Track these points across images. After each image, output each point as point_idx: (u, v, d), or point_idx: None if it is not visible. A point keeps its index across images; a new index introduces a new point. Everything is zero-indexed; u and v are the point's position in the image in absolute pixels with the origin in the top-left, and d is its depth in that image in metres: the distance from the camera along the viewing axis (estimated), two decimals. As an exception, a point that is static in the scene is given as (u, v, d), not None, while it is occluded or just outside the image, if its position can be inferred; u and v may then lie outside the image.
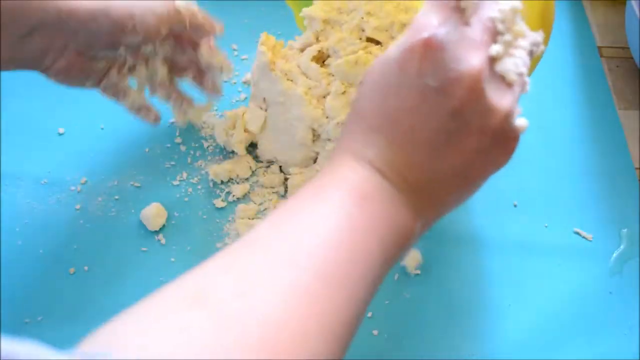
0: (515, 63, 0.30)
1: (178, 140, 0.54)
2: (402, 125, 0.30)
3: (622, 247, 0.51)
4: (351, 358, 0.45)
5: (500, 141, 0.32)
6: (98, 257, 0.48)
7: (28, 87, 0.56)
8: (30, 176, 0.51)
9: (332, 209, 0.28)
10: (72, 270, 0.47)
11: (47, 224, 0.49)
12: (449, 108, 0.29)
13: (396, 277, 0.48)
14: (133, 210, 0.50)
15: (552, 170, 0.55)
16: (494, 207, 0.53)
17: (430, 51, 0.29)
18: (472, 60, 0.29)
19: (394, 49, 0.30)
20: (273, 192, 0.52)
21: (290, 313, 0.25)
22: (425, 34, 0.29)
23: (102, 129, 0.54)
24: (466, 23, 0.29)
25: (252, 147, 0.54)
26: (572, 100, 0.60)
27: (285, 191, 0.52)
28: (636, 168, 0.56)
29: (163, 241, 0.49)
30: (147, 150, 0.53)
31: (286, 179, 0.52)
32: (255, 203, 0.51)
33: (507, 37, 0.30)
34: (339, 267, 0.27)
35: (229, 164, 0.52)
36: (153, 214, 0.49)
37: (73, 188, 0.51)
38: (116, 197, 0.51)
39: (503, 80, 0.30)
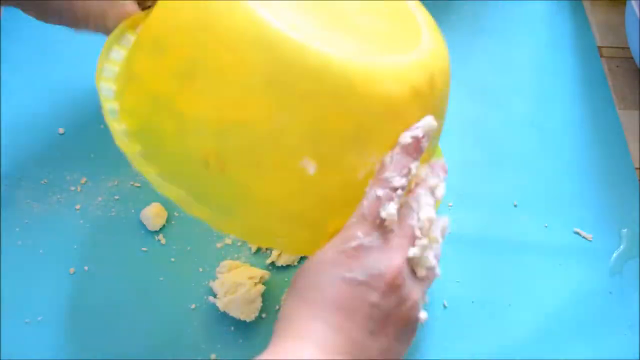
0: (428, 259, 0.36)
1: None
2: (340, 311, 0.34)
3: (622, 247, 0.51)
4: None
5: (408, 329, 0.36)
6: (98, 257, 0.48)
7: (28, 87, 0.56)
8: (30, 176, 0.51)
9: None
10: (72, 270, 0.47)
11: (47, 224, 0.49)
12: (373, 298, 0.34)
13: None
14: (133, 210, 0.50)
15: (552, 170, 0.55)
16: (494, 207, 0.53)
17: (357, 255, 0.35)
18: (393, 260, 0.35)
19: (325, 254, 0.35)
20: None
21: None
22: (354, 243, 0.35)
23: (102, 129, 0.54)
24: (389, 231, 0.36)
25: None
26: (572, 100, 0.60)
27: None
28: (636, 168, 0.56)
29: (163, 241, 0.49)
30: (147, 150, 0.54)
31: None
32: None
33: (424, 241, 0.36)
34: None
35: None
36: (153, 214, 0.49)
37: (73, 188, 0.51)
38: (116, 197, 0.51)
39: (415, 275, 0.36)
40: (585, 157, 0.56)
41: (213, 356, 0.44)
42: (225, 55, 0.35)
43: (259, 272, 0.46)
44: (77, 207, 0.50)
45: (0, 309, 0.45)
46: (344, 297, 0.34)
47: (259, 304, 0.45)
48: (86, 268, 0.47)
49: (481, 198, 0.53)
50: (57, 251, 0.48)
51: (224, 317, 0.45)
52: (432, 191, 0.38)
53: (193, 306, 0.46)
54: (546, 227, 0.52)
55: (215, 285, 0.46)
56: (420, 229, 0.37)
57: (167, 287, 0.47)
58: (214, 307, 0.45)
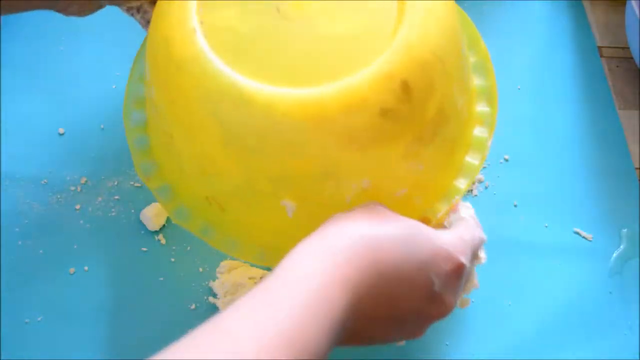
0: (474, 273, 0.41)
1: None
2: (390, 283, 0.32)
3: (622, 247, 0.51)
4: (351, 358, 0.45)
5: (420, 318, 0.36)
6: (98, 257, 0.48)
7: (28, 87, 0.56)
8: (30, 176, 0.51)
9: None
10: (72, 270, 0.47)
11: (47, 224, 0.49)
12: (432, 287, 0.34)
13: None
14: (133, 210, 0.50)
15: (552, 170, 0.55)
16: (494, 207, 0.53)
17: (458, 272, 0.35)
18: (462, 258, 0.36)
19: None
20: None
21: None
22: (463, 259, 0.35)
23: (102, 129, 0.54)
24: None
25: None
26: (572, 100, 0.60)
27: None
28: (636, 168, 0.56)
29: (163, 241, 0.49)
30: (147, 150, 0.54)
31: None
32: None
33: (482, 254, 0.40)
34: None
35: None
36: (153, 214, 0.49)
37: (73, 188, 0.51)
38: (116, 197, 0.51)
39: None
40: (585, 157, 0.56)
41: (213, 356, 0.44)
42: (186, 115, 0.35)
43: (259, 273, 0.46)
44: (77, 207, 0.50)
45: (0, 309, 0.45)
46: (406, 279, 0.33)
47: (259, 304, 0.45)
48: (86, 268, 0.47)
49: (481, 198, 0.53)
50: (57, 251, 0.48)
51: (224, 317, 0.45)
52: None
53: (193, 306, 0.46)
54: (546, 227, 0.52)
55: (216, 285, 0.46)
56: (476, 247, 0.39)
57: (167, 287, 0.47)
58: (214, 307, 0.45)
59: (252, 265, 0.47)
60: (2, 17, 0.59)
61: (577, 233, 0.52)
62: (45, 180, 0.51)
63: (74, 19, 0.60)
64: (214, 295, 0.46)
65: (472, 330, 0.47)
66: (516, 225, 0.52)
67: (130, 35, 0.60)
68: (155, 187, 0.41)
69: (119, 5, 0.46)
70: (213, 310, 0.45)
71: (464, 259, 0.36)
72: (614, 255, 0.51)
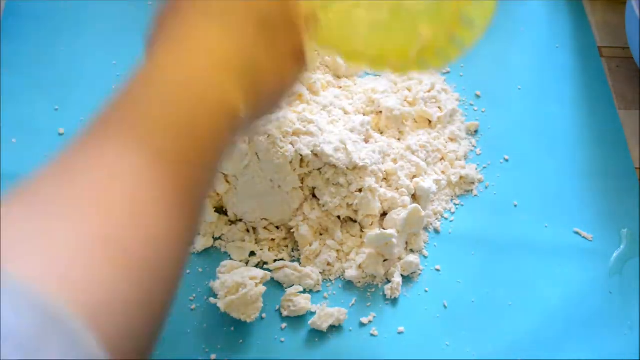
0: None
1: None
2: (230, 14, 0.33)
3: (622, 247, 0.51)
4: (351, 358, 0.45)
5: (295, 50, 0.36)
6: (98, 257, 0.48)
7: (28, 87, 0.56)
8: (30, 176, 0.51)
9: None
10: (72, 270, 0.47)
11: (47, 224, 0.49)
12: (261, 6, 0.34)
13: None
14: (133, 210, 0.50)
15: (552, 170, 0.55)
16: (494, 207, 0.53)
17: None
18: None
19: None
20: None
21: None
22: None
23: (102, 129, 0.54)
24: None
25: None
26: (572, 100, 0.60)
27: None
28: (636, 168, 0.56)
29: (163, 241, 0.49)
30: (147, 150, 0.53)
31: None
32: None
33: None
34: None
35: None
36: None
37: (73, 188, 0.51)
38: (116, 197, 0.51)
39: None
40: (585, 157, 0.56)
41: (213, 356, 0.44)
42: None
43: (259, 273, 0.46)
44: (77, 207, 0.50)
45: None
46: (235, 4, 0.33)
47: (259, 304, 0.45)
48: (86, 268, 0.47)
49: (481, 198, 0.53)
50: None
51: (224, 317, 0.45)
52: None
53: (193, 307, 0.46)
54: (546, 227, 0.52)
55: (216, 285, 0.45)
56: None
57: (167, 287, 0.47)
58: (214, 307, 0.45)
59: (251, 266, 0.47)
60: (2, 17, 0.59)
61: (577, 233, 0.52)
62: (45, 180, 0.51)
63: (74, 18, 0.60)
64: (214, 296, 0.46)
65: (472, 330, 0.47)
66: (516, 225, 0.52)
67: (131, 35, 0.60)
68: None
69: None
70: (213, 310, 0.45)
71: None
72: (614, 255, 0.51)
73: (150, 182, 0.27)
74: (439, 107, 0.56)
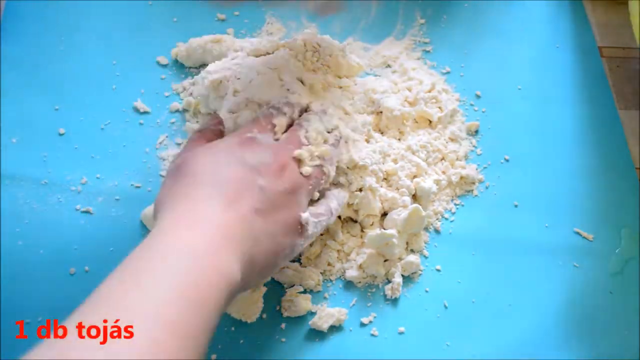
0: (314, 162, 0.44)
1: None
2: (232, 188, 0.39)
3: (622, 247, 0.51)
4: (351, 358, 0.45)
5: (293, 223, 0.41)
6: (98, 258, 0.48)
7: (28, 87, 0.56)
8: (30, 176, 0.51)
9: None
10: (72, 270, 0.47)
11: (47, 224, 0.49)
12: (261, 182, 0.40)
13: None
14: (133, 211, 0.50)
15: (552, 170, 0.55)
16: (495, 207, 0.53)
17: (250, 145, 0.42)
18: (280, 156, 0.42)
19: (220, 143, 0.43)
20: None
21: None
22: (249, 135, 0.43)
23: (102, 129, 0.54)
24: (278, 137, 0.44)
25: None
26: (572, 100, 0.60)
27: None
28: (636, 168, 0.56)
29: (163, 241, 0.49)
30: (147, 150, 0.53)
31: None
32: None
33: (310, 147, 0.44)
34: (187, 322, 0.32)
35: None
36: (153, 214, 0.49)
37: (73, 188, 0.51)
38: (116, 197, 0.51)
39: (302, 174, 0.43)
40: (585, 157, 0.56)
41: (214, 356, 0.44)
42: None
43: (259, 273, 0.46)
44: (77, 207, 0.50)
45: (0, 309, 0.45)
46: (237, 178, 0.39)
47: (260, 305, 0.45)
48: (86, 268, 0.47)
49: (482, 198, 0.53)
50: (57, 251, 0.48)
51: (224, 317, 0.45)
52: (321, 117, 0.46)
53: (193, 306, 0.46)
54: (546, 227, 0.52)
55: (216, 285, 0.45)
56: (307, 138, 0.44)
57: (168, 287, 0.47)
58: (214, 307, 0.45)
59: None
60: (2, 17, 0.59)
61: (577, 233, 0.52)
62: (45, 181, 0.51)
63: (73, 18, 0.60)
64: (215, 296, 0.46)
65: (472, 330, 0.47)
66: (516, 225, 0.52)
67: (131, 35, 0.60)
68: None
69: None
70: (213, 310, 0.45)
71: (249, 134, 0.43)
72: (614, 255, 0.51)
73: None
74: (440, 107, 0.56)
